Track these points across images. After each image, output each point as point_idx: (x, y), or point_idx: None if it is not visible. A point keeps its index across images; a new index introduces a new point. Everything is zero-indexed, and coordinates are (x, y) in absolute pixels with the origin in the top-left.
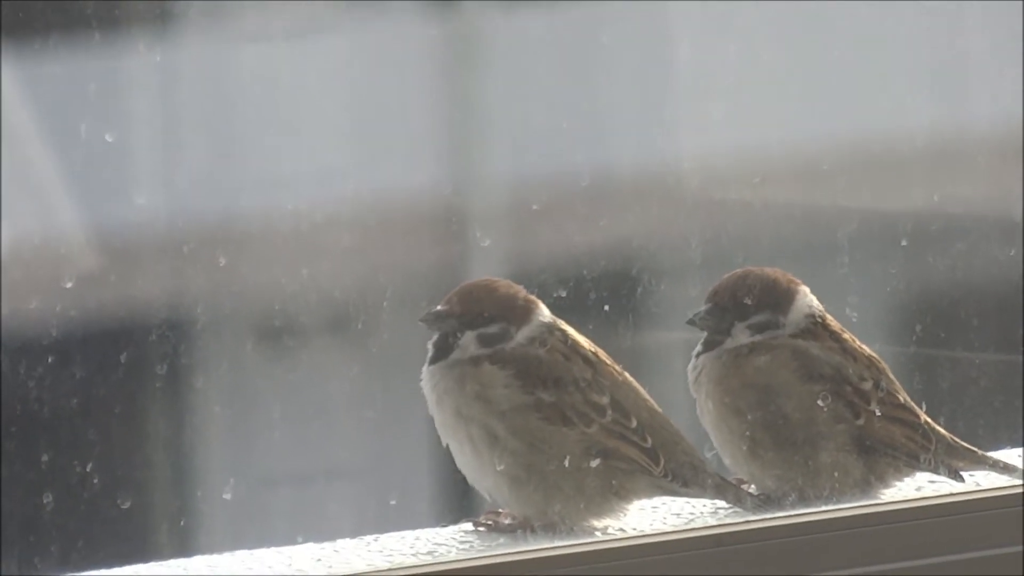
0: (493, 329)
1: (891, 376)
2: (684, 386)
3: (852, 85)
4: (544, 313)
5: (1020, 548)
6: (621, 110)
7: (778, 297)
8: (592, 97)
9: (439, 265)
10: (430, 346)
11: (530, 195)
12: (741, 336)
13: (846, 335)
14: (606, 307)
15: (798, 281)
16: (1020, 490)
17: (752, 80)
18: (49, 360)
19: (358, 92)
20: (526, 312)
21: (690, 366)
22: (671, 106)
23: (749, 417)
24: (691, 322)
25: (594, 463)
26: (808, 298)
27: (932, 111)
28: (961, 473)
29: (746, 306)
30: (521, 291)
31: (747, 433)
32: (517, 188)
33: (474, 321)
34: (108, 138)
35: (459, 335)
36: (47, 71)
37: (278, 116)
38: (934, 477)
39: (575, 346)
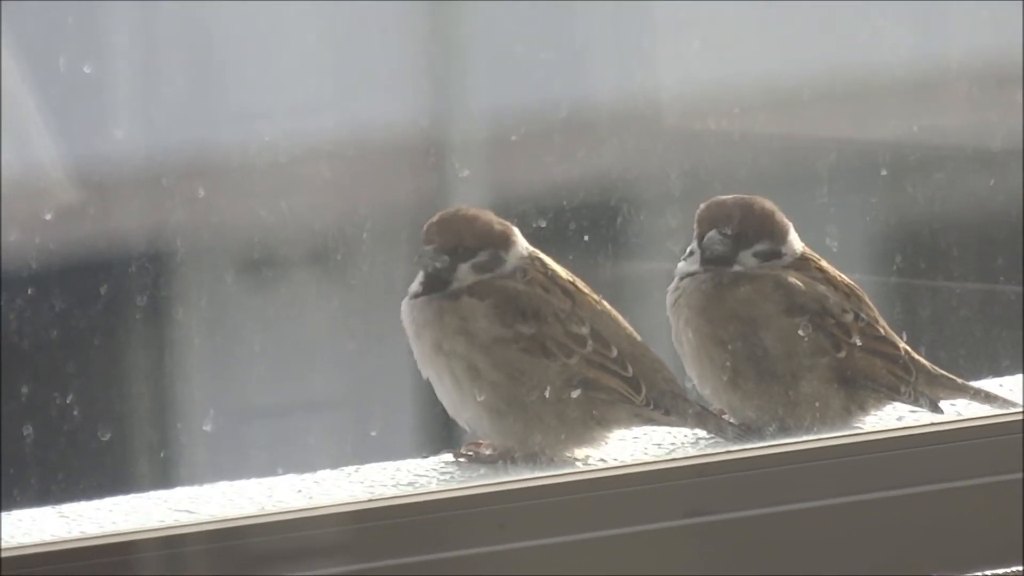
0: (483, 257)
1: (871, 305)
2: (664, 316)
3: (830, 16)
4: (521, 238)
5: (999, 478)
6: (600, 41)
7: (778, 227)
8: (571, 28)
9: (418, 197)
10: (417, 283)
11: (509, 126)
12: (748, 263)
13: (824, 264)
14: (586, 238)
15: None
16: (998, 420)
17: (731, 11)
18: (29, 292)
19: (336, 24)
20: (507, 237)
21: (671, 287)
22: (649, 37)
23: (730, 348)
24: (704, 253)
25: (575, 394)
26: (794, 231)
27: (910, 42)
28: (941, 404)
29: (749, 235)
30: (492, 216)
31: (728, 364)
32: (496, 119)
33: (464, 253)
34: (87, 70)
35: (455, 269)
36: (24, 4)
37: (257, 48)
38: (914, 408)
39: (554, 277)
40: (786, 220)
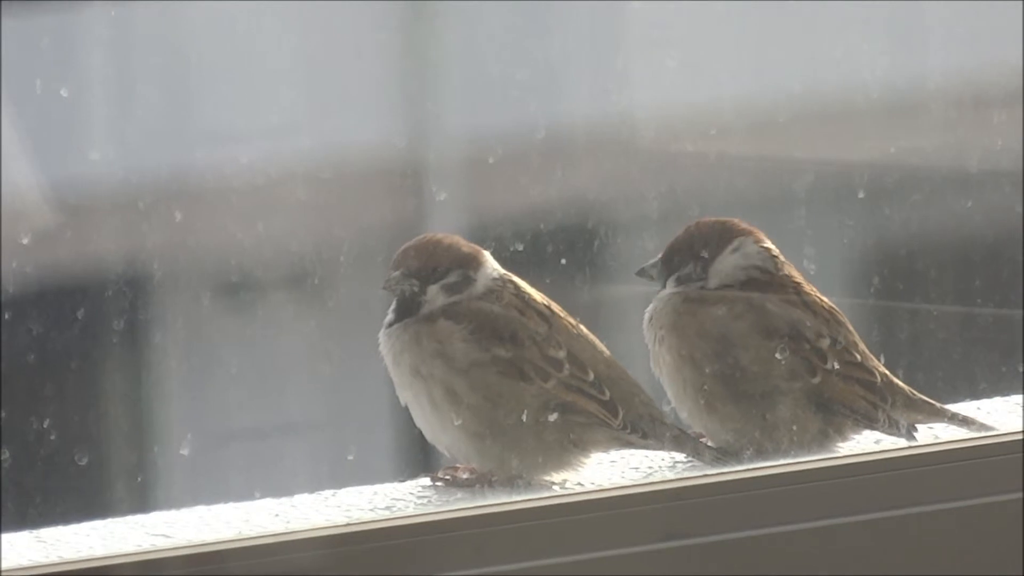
0: (453, 278)
1: (851, 330)
2: (642, 339)
3: (807, 37)
4: (491, 260)
5: (975, 501)
6: (576, 62)
7: (709, 248)
8: (546, 49)
9: (395, 219)
10: (390, 312)
11: (485, 148)
12: (670, 287)
13: (807, 287)
14: (563, 260)
15: (739, 230)
16: (975, 444)
17: (706, 32)
18: (5, 316)
19: (312, 45)
20: (475, 258)
21: (646, 309)
22: (625, 58)
23: (706, 368)
24: (640, 273)
25: (552, 417)
26: (749, 247)
27: (887, 63)
28: (916, 430)
29: (679, 259)
30: (461, 239)
31: (704, 387)
32: (472, 141)
33: (432, 275)
34: (63, 93)
35: (424, 292)
36: (0, 26)
37: (232, 70)
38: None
39: (529, 300)
40: (724, 238)
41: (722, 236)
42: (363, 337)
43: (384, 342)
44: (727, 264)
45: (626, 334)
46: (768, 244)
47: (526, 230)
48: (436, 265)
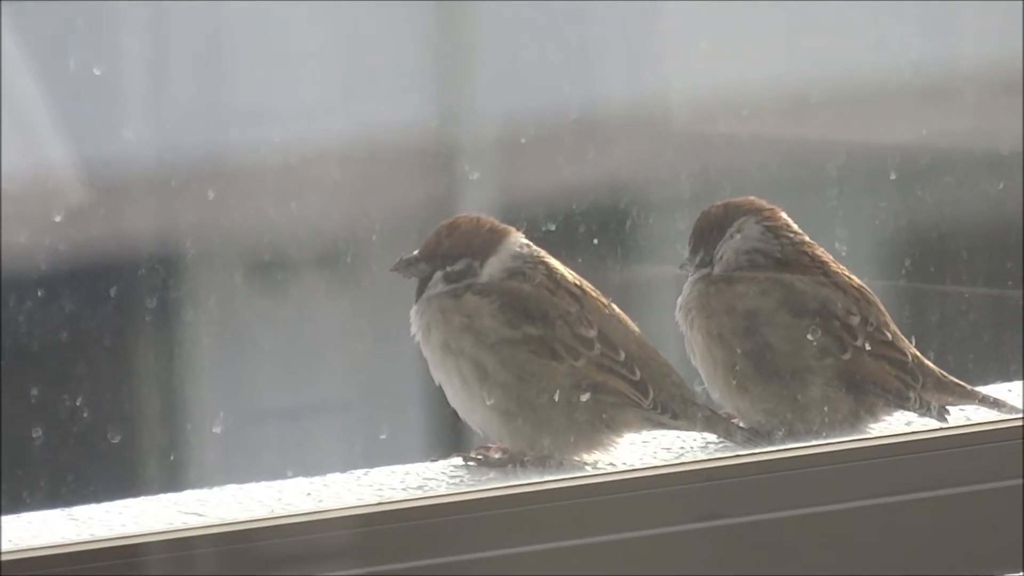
0: (459, 266)
1: (882, 309)
2: (674, 319)
3: (840, 19)
4: (516, 243)
5: (1009, 483)
6: (609, 44)
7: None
8: (581, 30)
9: (428, 199)
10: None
11: (519, 128)
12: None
13: (835, 267)
14: (595, 241)
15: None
16: (1008, 425)
17: (740, 13)
18: (39, 294)
19: (347, 25)
20: (490, 244)
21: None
22: (659, 39)
23: (734, 345)
24: (681, 268)
25: (584, 397)
26: (748, 230)
27: (920, 45)
28: (947, 412)
29: (692, 244)
30: (488, 224)
31: (736, 366)
32: (506, 121)
33: (439, 261)
34: (96, 72)
35: (429, 278)
36: (35, 4)
37: (267, 49)
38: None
39: (560, 280)
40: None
41: (724, 219)
42: (395, 316)
43: (413, 318)
44: (727, 248)
45: (658, 315)
46: (779, 223)
47: (558, 210)
48: (445, 251)
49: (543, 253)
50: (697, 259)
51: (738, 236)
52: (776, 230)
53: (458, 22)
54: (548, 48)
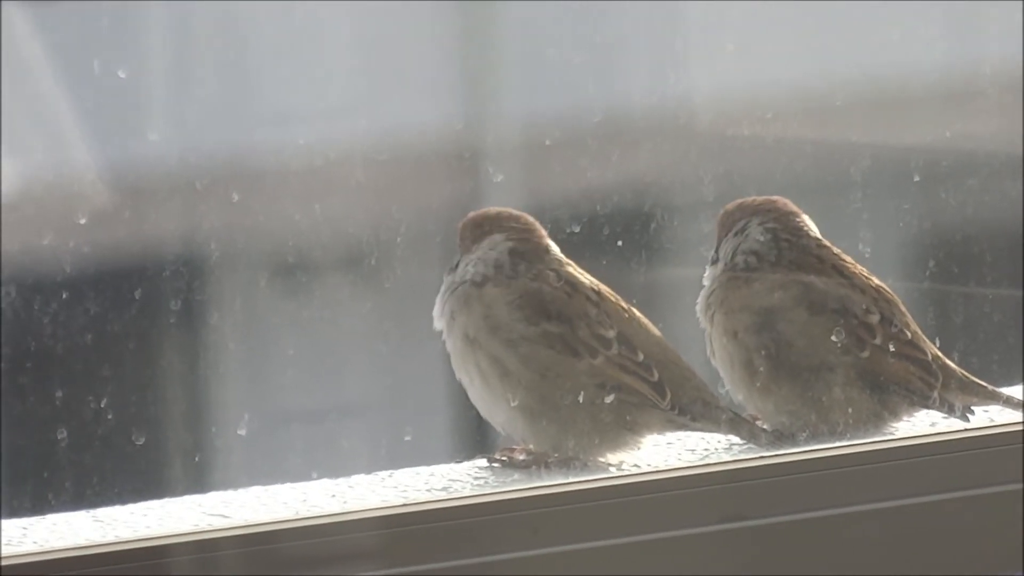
0: (455, 260)
1: (902, 309)
2: (697, 323)
3: (864, 20)
4: (501, 242)
5: None
6: (634, 45)
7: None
8: (605, 32)
9: (452, 201)
10: None
11: (543, 131)
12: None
13: (851, 266)
14: (619, 243)
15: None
16: None
17: (764, 15)
18: (63, 296)
19: (370, 27)
20: (473, 240)
21: (701, 294)
22: (683, 41)
23: (751, 343)
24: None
25: (608, 398)
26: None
27: (944, 47)
28: (970, 412)
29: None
30: (480, 217)
31: (760, 368)
32: (530, 123)
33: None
34: (121, 74)
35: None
36: (60, 6)
37: (291, 51)
38: (944, 415)
39: (576, 284)
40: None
41: (732, 218)
42: (420, 318)
43: (437, 308)
44: (728, 247)
45: (682, 318)
46: (786, 225)
47: (583, 212)
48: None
49: (557, 257)
50: (712, 255)
51: (739, 237)
52: (776, 232)
53: (482, 23)
54: (572, 50)
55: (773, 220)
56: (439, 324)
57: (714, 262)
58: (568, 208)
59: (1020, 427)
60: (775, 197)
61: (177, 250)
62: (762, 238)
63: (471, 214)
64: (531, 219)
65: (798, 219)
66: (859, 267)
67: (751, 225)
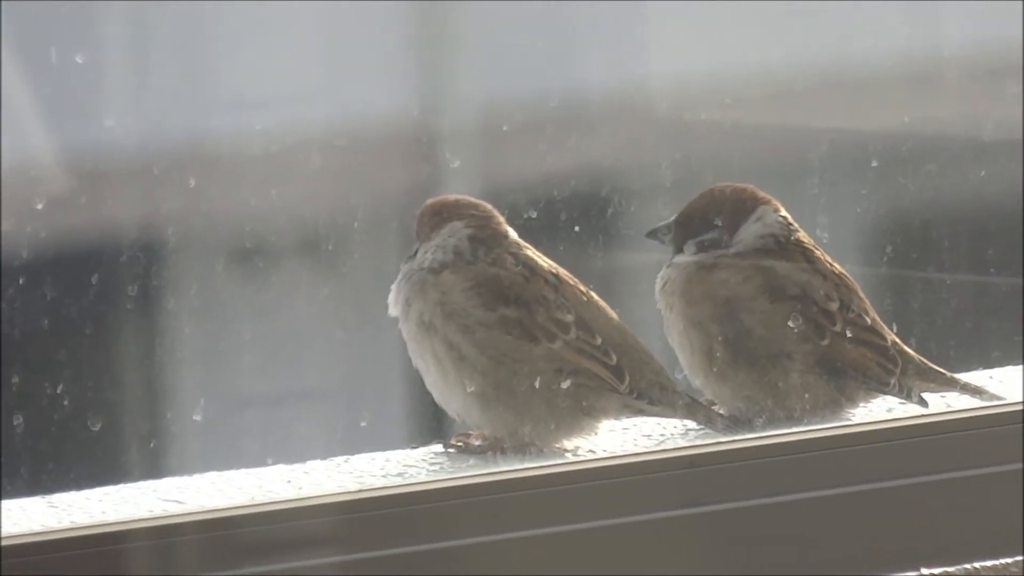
0: (412, 250)
1: (862, 296)
2: (655, 307)
3: (823, 6)
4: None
5: (988, 470)
6: (592, 31)
7: (727, 216)
8: (563, 17)
9: (409, 187)
10: None
11: (500, 116)
12: (688, 252)
13: (818, 253)
14: (576, 228)
15: (759, 198)
16: (988, 413)
17: (722, 1)
18: (20, 282)
19: (329, 12)
20: (431, 228)
21: (659, 275)
22: (642, 27)
23: (713, 331)
24: (651, 234)
25: (565, 384)
26: (769, 216)
27: (903, 32)
28: (927, 399)
29: (698, 224)
30: (438, 204)
31: (717, 353)
32: (487, 109)
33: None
34: (79, 60)
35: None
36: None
37: (249, 38)
38: (902, 401)
39: (535, 267)
40: (748, 206)
41: (745, 203)
42: (376, 304)
43: (393, 294)
44: (750, 233)
45: (639, 302)
46: (784, 212)
47: (540, 197)
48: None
49: (514, 241)
50: (702, 237)
51: (760, 223)
52: (787, 219)
53: (440, 10)
54: (530, 36)
55: (778, 208)
56: (394, 311)
57: (720, 245)
58: (526, 193)
59: (978, 413)
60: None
61: (134, 235)
62: (780, 223)
63: (428, 201)
64: (489, 206)
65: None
66: (822, 252)
67: (768, 212)
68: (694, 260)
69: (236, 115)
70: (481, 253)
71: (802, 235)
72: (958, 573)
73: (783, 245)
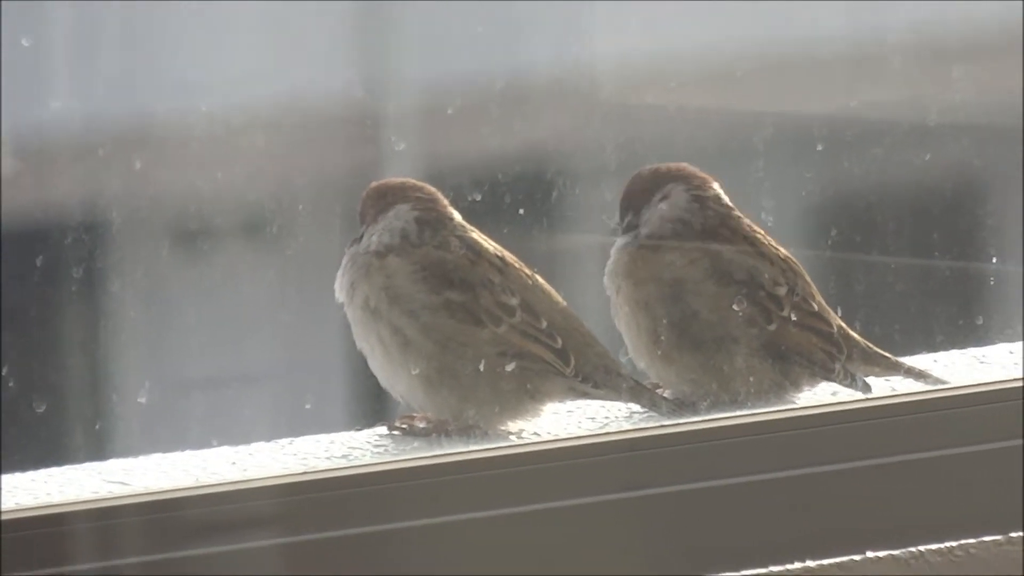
0: (358, 233)
1: (808, 280)
2: (599, 290)
3: None
4: (405, 211)
5: (930, 454)
6: (536, 13)
7: (636, 197)
8: (507, 1)
9: (354, 169)
10: None
11: (445, 99)
12: (620, 238)
13: (762, 237)
14: (521, 211)
15: (669, 177)
16: (929, 397)
17: None
18: None
19: None
20: (377, 212)
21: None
22: (586, 9)
23: (659, 313)
24: (611, 232)
25: (509, 367)
26: (677, 196)
27: (847, 15)
28: (871, 383)
29: (624, 206)
30: (383, 188)
31: (661, 337)
32: (432, 92)
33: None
34: (24, 42)
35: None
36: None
37: (194, 19)
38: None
39: (481, 250)
40: (652, 187)
41: (652, 184)
42: (321, 286)
43: (338, 278)
44: (654, 215)
45: (584, 285)
46: (708, 193)
47: (484, 180)
48: (359, 218)
49: (459, 224)
50: (624, 223)
51: (665, 204)
52: (704, 200)
53: None
54: (475, 18)
55: (695, 187)
56: (340, 296)
57: (630, 229)
58: (470, 176)
59: (920, 398)
60: (683, 164)
61: (79, 217)
62: (689, 205)
63: (373, 184)
64: (433, 189)
65: (713, 185)
66: (768, 237)
67: (675, 191)
68: (630, 243)
69: (181, 97)
70: (427, 236)
71: (740, 221)
72: (903, 555)
73: (698, 227)
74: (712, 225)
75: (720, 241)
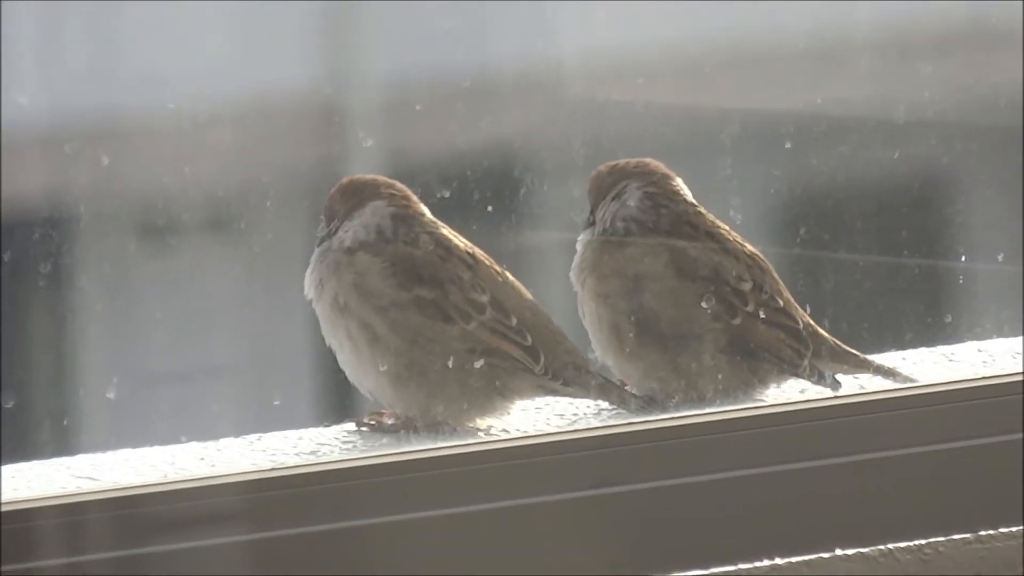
0: (322, 231)
1: (775, 277)
2: (568, 287)
3: None
4: (382, 208)
5: (898, 452)
6: (504, 9)
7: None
8: None
9: (322, 165)
10: None
11: (412, 95)
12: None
13: (725, 233)
14: (489, 208)
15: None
16: (898, 395)
17: None
18: None
19: None
20: (351, 207)
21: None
22: (553, 5)
23: (623, 308)
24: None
25: (478, 364)
26: (630, 194)
27: (815, 12)
28: (840, 380)
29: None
30: (356, 184)
31: (629, 333)
32: (399, 88)
33: (327, 220)
34: None
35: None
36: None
37: (160, 14)
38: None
39: (451, 247)
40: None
41: (609, 181)
42: (289, 282)
43: (308, 275)
44: (607, 211)
45: (552, 282)
46: (664, 190)
47: (452, 177)
48: (326, 213)
49: (429, 220)
50: (587, 219)
51: (616, 202)
52: (656, 198)
53: None
54: (442, 13)
55: (651, 184)
56: (309, 292)
57: (589, 225)
58: (438, 173)
59: (886, 396)
60: (647, 159)
61: (46, 212)
62: (641, 203)
63: (344, 180)
64: (403, 185)
65: (673, 182)
66: (734, 233)
67: (629, 189)
68: (594, 238)
69: (148, 92)
70: (401, 232)
71: (703, 218)
72: (872, 553)
73: (650, 225)
74: (664, 224)
75: (683, 238)
